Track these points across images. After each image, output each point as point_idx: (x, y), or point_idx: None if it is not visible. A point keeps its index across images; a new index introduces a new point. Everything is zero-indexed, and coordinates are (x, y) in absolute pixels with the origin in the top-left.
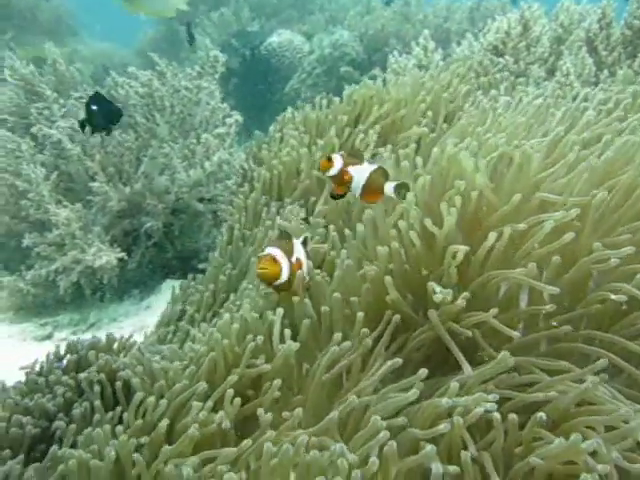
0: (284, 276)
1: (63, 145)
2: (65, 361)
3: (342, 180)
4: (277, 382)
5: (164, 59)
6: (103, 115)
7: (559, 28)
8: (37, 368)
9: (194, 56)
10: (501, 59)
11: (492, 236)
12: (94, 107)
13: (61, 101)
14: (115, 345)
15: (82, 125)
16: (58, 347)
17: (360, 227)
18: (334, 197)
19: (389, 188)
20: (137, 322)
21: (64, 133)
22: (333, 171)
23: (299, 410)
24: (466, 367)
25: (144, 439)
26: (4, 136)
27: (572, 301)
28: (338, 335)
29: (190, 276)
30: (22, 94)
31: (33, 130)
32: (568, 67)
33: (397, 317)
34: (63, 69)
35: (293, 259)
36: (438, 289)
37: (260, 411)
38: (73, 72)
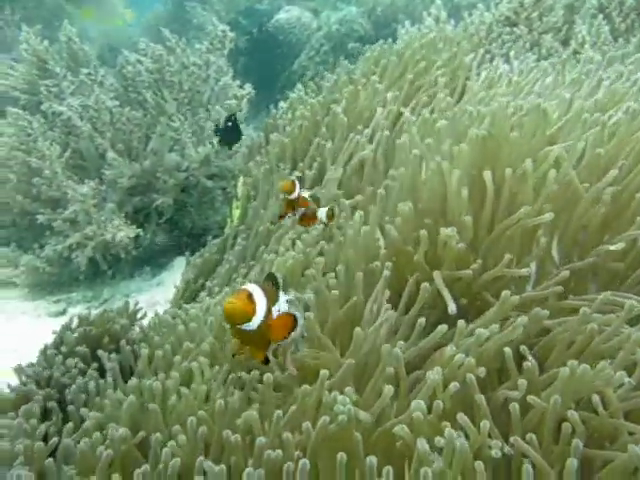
0: (255, 321)
1: (73, 122)
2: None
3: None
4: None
5: (174, 36)
6: (230, 133)
7: None
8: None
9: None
10: (515, 29)
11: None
12: (228, 124)
13: (71, 78)
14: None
15: (215, 133)
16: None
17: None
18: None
19: (321, 213)
20: (149, 298)
21: (74, 110)
22: (293, 195)
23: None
24: (451, 305)
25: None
26: (16, 114)
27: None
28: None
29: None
30: (35, 71)
31: (43, 107)
32: (584, 35)
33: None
34: (76, 47)
35: (275, 309)
36: (448, 229)
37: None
38: (86, 50)
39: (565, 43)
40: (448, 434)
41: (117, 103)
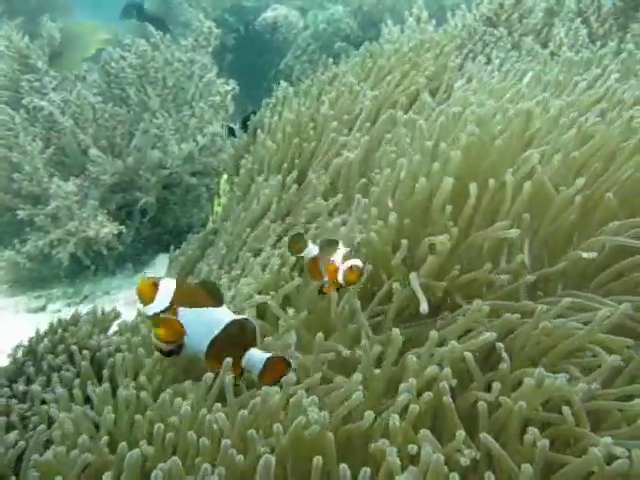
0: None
1: (55, 118)
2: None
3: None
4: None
5: (158, 32)
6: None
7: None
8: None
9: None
10: (495, 30)
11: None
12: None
13: (53, 74)
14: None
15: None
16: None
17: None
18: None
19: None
20: (130, 295)
21: (56, 106)
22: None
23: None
24: (423, 305)
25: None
26: None
27: (552, 258)
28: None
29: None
30: (16, 67)
31: (24, 102)
32: (562, 37)
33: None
34: (57, 43)
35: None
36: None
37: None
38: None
39: (545, 45)
40: (425, 452)
41: (100, 99)
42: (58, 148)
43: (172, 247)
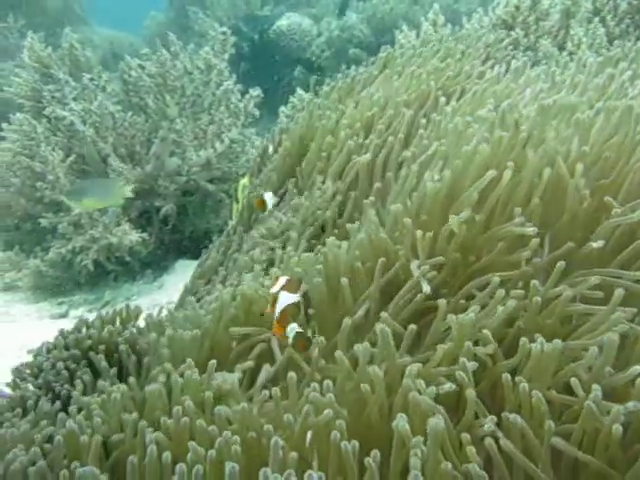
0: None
1: (76, 127)
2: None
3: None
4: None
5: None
6: None
7: (567, 1)
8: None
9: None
10: (512, 32)
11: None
12: None
13: (73, 84)
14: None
15: None
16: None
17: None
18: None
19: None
20: (150, 301)
21: (77, 115)
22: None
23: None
24: (425, 287)
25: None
26: (19, 119)
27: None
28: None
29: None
30: (38, 77)
31: (46, 112)
32: (580, 37)
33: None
34: (79, 53)
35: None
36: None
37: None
38: (88, 57)
39: (562, 47)
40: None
41: (119, 108)
42: (79, 156)
43: (189, 255)
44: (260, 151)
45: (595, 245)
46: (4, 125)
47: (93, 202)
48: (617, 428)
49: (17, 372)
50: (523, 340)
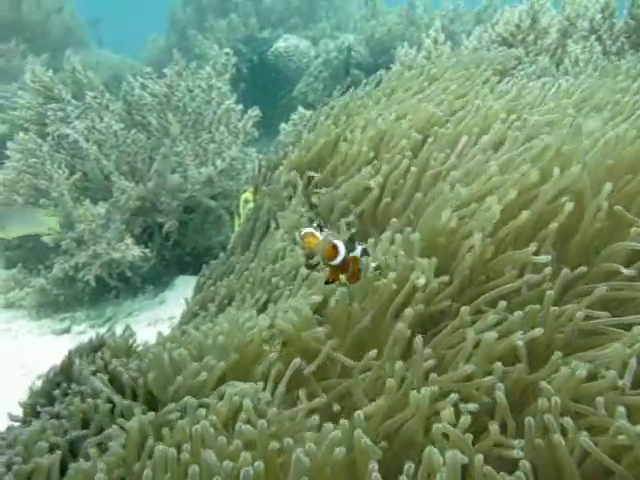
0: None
1: (80, 145)
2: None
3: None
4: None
5: (181, 62)
6: None
7: (565, 21)
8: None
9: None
10: (514, 50)
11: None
12: None
13: (75, 103)
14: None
15: None
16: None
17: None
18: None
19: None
20: (152, 316)
21: (80, 133)
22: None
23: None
24: (420, 280)
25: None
26: (23, 138)
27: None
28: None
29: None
30: (42, 100)
31: (49, 130)
32: (577, 54)
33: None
34: (81, 76)
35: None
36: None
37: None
38: (91, 79)
39: (559, 65)
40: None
41: (122, 126)
42: (82, 174)
43: (190, 271)
44: (261, 165)
45: (626, 272)
46: (9, 144)
47: (16, 230)
48: None
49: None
50: (557, 354)
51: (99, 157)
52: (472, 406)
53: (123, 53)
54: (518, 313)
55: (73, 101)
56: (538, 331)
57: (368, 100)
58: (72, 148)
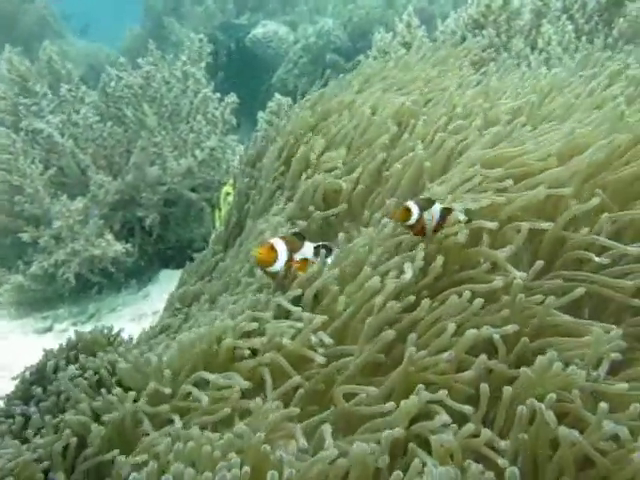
0: (277, 266)
1: (54, 139)
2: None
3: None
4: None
5: (156, 53)
6: None
7: (538, 1)
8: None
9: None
10: (484, 32)
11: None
12: None
13: (51, 96)
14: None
15: None
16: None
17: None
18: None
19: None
20: (135, 311)
21: (54, 127)
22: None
23: None
24: (408, 273)
25: None
26: None
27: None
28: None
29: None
30: (17, 90)
31: (22, 125)
32: (550, 35)
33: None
34: (58, 67)
35: (297, 256)
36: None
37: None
38: (69, 69)
39: (534, 46)
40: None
41: (98, 119)
42: (58, 169)
43: (173, 265)
44: (243, 157)
45: (598, 260)
46: None
47: None
48: None
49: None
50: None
51: (75, 151)
52: (467, 408)
53: (100, 42)
54: (479, 300)
55: (49, 93)
56: (511, 328)
57: (342, 94)
58: (47, 143)
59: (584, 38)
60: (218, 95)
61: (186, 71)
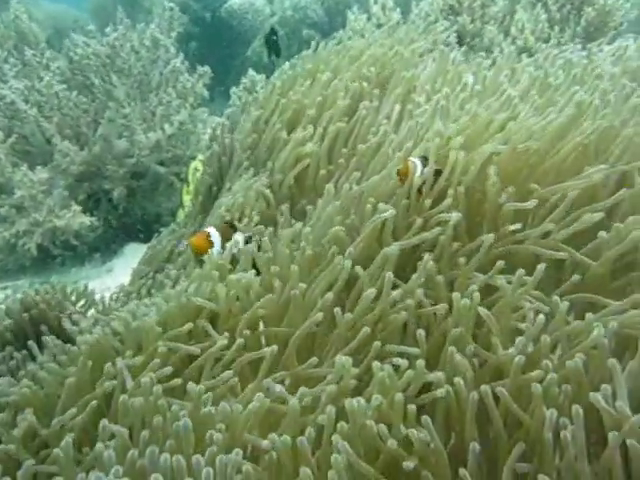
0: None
1: (17, 106)
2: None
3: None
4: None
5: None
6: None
7: None
8: None
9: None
10: (459, 18)
11: None
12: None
13: (14, 60)
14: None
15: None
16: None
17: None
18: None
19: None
20: (99, 284)
21: (18, 93)
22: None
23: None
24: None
25: None
26: None
27: None
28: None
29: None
30: None
31: None
32: (523, 22)
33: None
34: (25, 26)
35: (228, 245)
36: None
37: None
38: (35, 30)
39: (507, 33)
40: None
41: (64, 87)
42: (21, 137)
43: (140, 239)
44: (214, 132)
45: (512, 228)
46: None
47: None
48: None
49: None
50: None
51: (39, 119)
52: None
53: (66, 3)
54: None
55: (14, 55)
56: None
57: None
58: (9, 109)
59: (557, 28)
60: (188, 66)
61: (156, 40)
